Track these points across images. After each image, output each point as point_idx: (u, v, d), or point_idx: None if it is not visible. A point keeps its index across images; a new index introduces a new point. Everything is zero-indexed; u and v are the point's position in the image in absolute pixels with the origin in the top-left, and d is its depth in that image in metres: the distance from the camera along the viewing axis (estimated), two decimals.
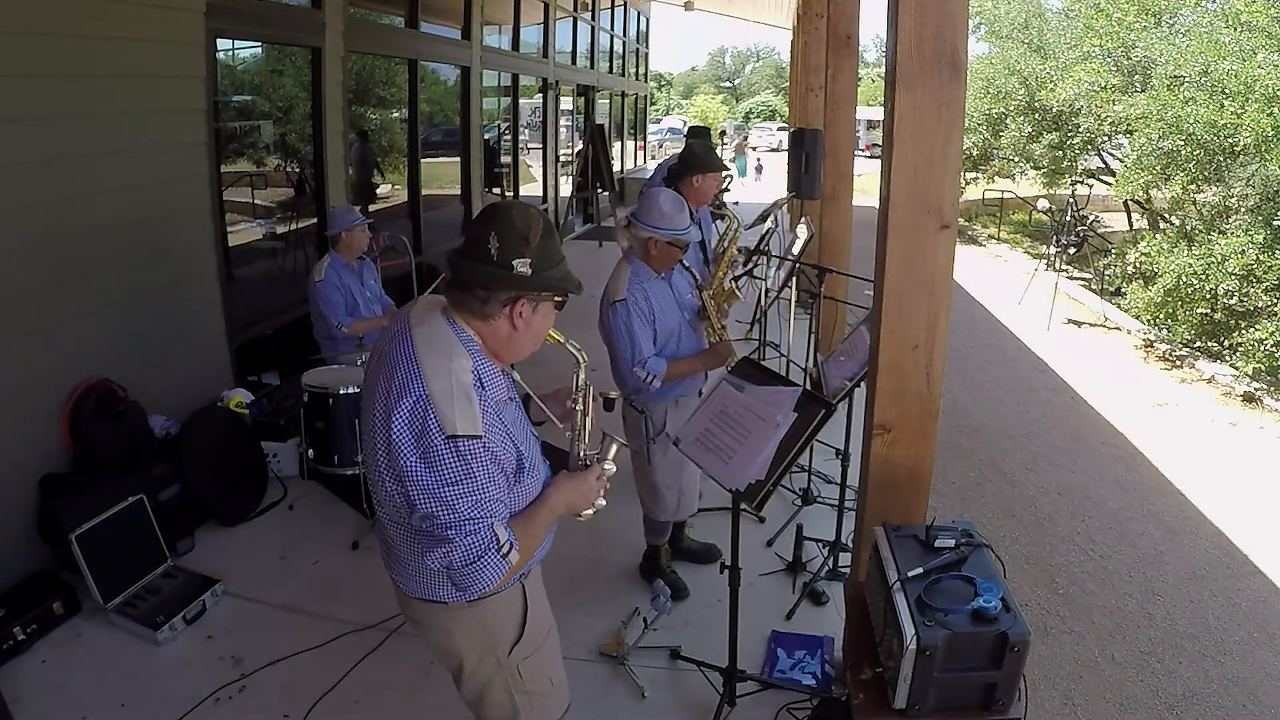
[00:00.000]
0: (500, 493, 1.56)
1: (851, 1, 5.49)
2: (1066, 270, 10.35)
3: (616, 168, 14.43)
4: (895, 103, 2.16)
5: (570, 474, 1.76)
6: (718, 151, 4.33)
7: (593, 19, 13.80)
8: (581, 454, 1.81)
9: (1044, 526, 4.26)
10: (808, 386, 3.17)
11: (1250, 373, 6.53)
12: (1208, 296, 7.23)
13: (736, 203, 11.93)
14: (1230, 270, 6.92)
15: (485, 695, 1.81)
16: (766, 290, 5.62)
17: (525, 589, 1.79)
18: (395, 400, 1.51)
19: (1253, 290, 7.04)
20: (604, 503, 1.81)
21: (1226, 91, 7.26)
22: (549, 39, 10.94)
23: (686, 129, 7.69)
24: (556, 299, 1.64)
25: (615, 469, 1.79)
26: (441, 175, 8.17)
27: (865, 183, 11.60)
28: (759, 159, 23.62)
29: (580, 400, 1.83)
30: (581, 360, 1.80)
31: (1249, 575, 3.81)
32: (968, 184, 14.76)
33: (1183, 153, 7.80)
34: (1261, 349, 6.44)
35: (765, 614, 3.13)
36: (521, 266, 1.54)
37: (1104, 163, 12.63)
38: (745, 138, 26.88)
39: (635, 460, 3.12)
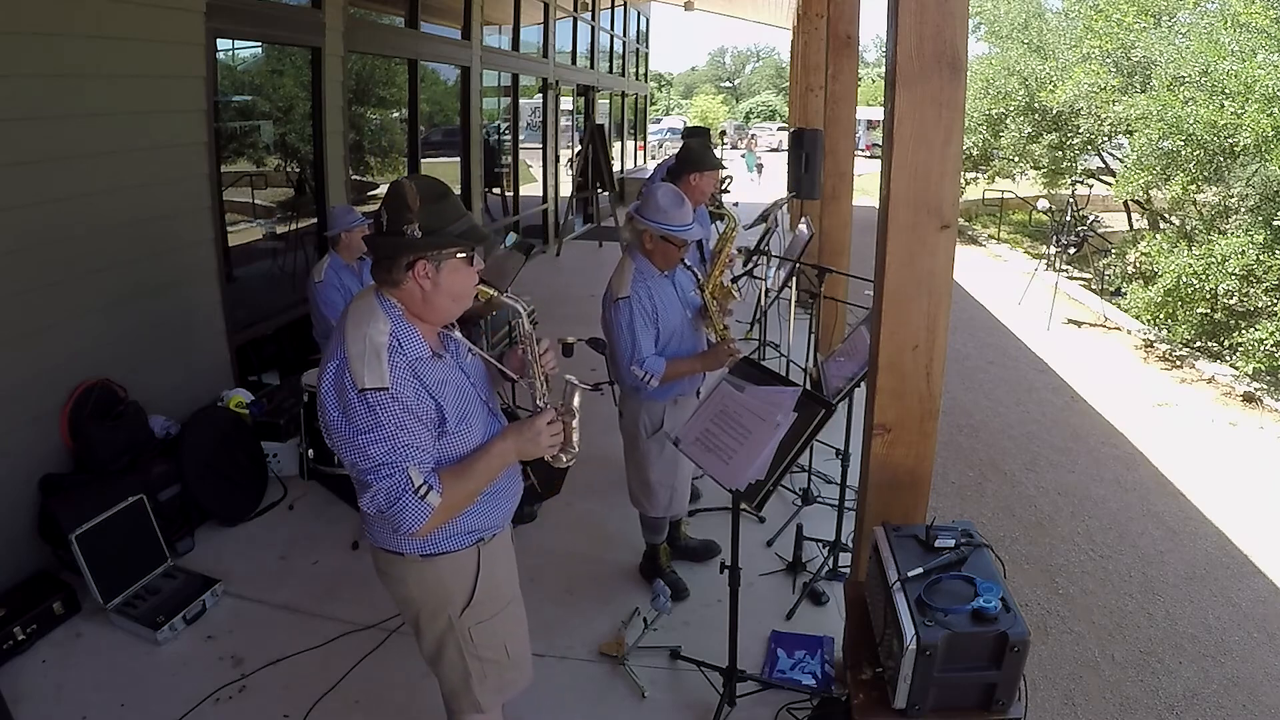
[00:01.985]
0: (414, 439, 1.68)
1: (851, 1, 5.49)
2: (1066, 270, 10.35)
3: (616, 168, 14.43)
4: (895, 103, 2.16)
5: (518, 422, 1.88)
6: (720, 150, 4.33)
7: (593, 19, 13.80)
8: (539, 400, 1.91)
9: (1044, 526, 4.26)
10: (808, 386, 3.17)
11: (1250, 373, 6.53)
12: (1208, 296, 7.23)
13: (736, 203, 11.94)
14: (1230, 270, 6.91)
15: (440, 653, 1.92)
16: (766, 290, 5.62)
17: (480, 553, 1.88)
18: (325, 365, 1.71)
19: (1253, 290, 7.03)
20: (577, 449, 1.92)
21: (1226, 92, 7.25)
22: (549, 39, 10.94)
23: (684, 129, 7.71)
24: (459, 254, 1.73)
25: (577, 415, 1.90)
26: (441, 175, 8.15)
27: (865, 183, 11.61)
28: (759, 159, 23.79)
29: (529, 348, 1.94)
30: (522, 309, 1.93)
31: (1249, 575, 3.81)
32: (968, 184, 14.74)
33: (1183, 153, 7.79)
34: (1261, 349, 6.43)
35: (765, 614, 3.13)
36: (410, 231, 1.68)
37: (1104, 163, 12.63)
38: (753, 137, 27.30)
39: (630, 456, 3.12)
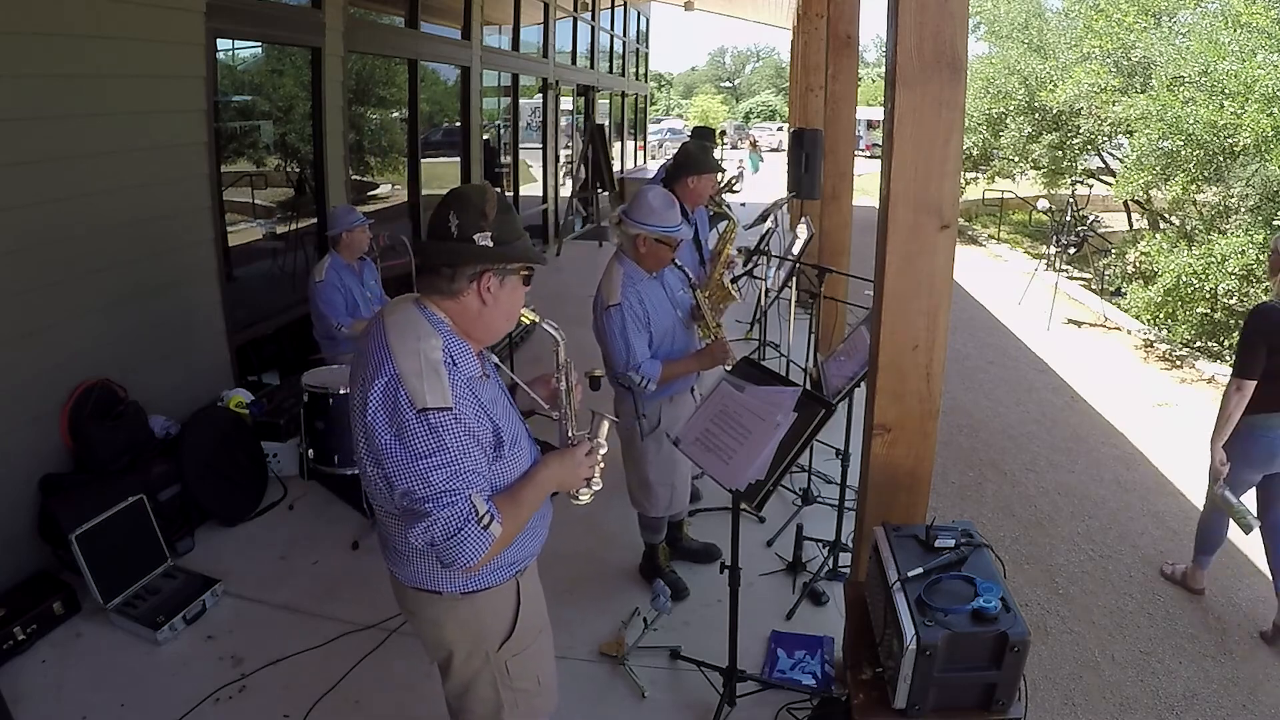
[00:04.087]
0: (476, 465, 1.57)
1: (851, 1, 5.49)
2: (1066, 270, 10.34)
3: (616, 168, 14.44)
4: (895, 103, 2.16)
5: (559, 451, 1.78)
6: (720, 151, 4.32)
7: (593, 19, 13.80)
8: (571, 433, 1.83)
9: (1044, 526, 4.26)
10: (808, 386, 3.17)
11: None
12: (1208, 296, 7.22)
13: (744, 204, 11.91)
14: (1230, 270, 6.90)
15: (471, 689, 1.82)
16: (766, 290, 5.62)
17: (519, 585, 1.80)
18: (369, 383, 1.55)
19: (1253, 290, 7.01)
20: (600, 484, 1.81)
21: (1226, 92, 7.25)
22: (549, 39, 10.94)
23: (692, 129, 7.69)
24: (523, 272, 1.67)
25: (607, 447, 1.81)
26: (442, 175, 8.18)
27: (865, 183, 11.61)
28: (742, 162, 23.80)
29: (563, 379, 1.85)
30: (560, 339, 1.82)
31: (1249, 575, 3.80)
32: (968, 184, 14.73)
33: (1183, 153, 7.79)
34: None
35: (765, 614, 3.13)
36: (482, 240, 1.58)
37: (1104, 163, 12.62)
38: (755, 140, 27.50)
39: (627, 455, 3.12)
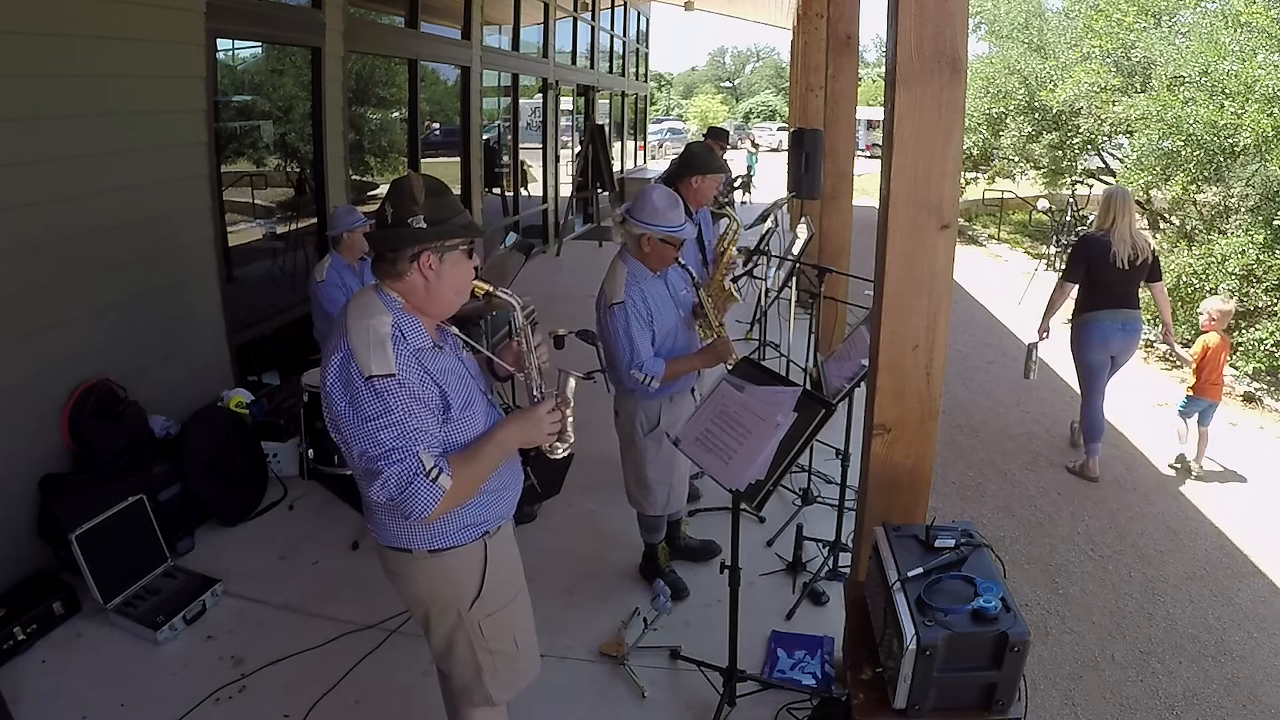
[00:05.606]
0: (422, 424, 1.71)
1: (851, 1, 5.49)
2: None
3: (616, 168, 14.44)
4: (895, 103, 2.16)
5: (520, 410, 1.92)
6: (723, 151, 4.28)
7: (593, 19, 13.80)
8: (537, 391, 1.96)
9: (1044, 526, 4.26)
10: (808, 386, 3.17)
11: (1250, 373, 6.52)
12: (1208, 296, 7.22)
13: (745, 203, 11.86)
14: (1230, 270, 6.90)
15: (451, 648, 1.95)
16: (766, 290, 5.62)
17: (487, 546, 1.91)
18: (329, 359, 1.73)
19: (1253, 290, 7.01)
20: (573, 438, 1.95)
21: (1226, 92, 7.25)
22: (549, 39, 10.94)
23: (707, 129, 7.66)
24: (462, 246, 1.81)
25: (572, 402, 1.94)
26: (442, 175, 8.14)
27: (865, 183, 11.58)
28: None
29: (523, 340, 2.00)
30: (516, 304, 1.98)
31: (1249, 575, 3.80)
32: (968, 184, 14.71)
33: (1183, 153, 7.78)
34: (1261, 349, 6.42)
35: (765, 614, 3.13)
36: (416, 223, 1.74)
37: (1104, 163, 12.61)
38: (754, 141, 27.38)
39: (625, 454, 3.12)
